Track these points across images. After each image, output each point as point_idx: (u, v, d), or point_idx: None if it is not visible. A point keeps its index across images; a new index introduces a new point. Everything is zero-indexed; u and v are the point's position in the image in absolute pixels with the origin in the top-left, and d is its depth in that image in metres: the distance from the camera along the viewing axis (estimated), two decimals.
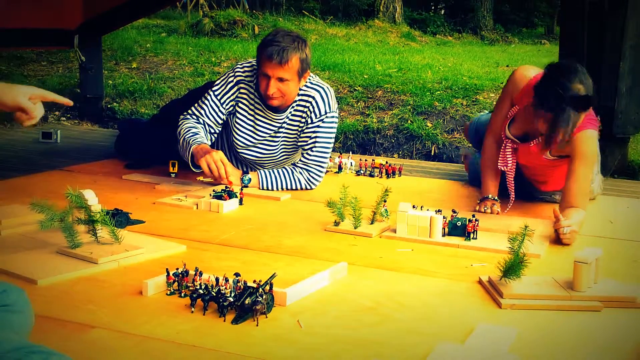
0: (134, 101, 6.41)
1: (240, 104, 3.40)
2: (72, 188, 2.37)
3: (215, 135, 3.44)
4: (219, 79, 3.46)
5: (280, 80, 3.20)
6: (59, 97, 2.06)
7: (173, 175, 3.49)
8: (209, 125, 3.37)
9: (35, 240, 2.43)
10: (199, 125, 3.34)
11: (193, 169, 3.21)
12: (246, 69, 3.41)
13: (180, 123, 3.35)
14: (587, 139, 2.87)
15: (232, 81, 3.39)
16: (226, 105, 3.38)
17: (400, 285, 2.21)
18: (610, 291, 2.10)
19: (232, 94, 3.39)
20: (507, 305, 2.03)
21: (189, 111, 3.40)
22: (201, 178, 3.32)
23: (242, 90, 3.39)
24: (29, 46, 6.49)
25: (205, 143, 3.22)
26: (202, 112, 3.37)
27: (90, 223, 2.36)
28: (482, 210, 3.01)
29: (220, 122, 3.41)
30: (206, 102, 3.38)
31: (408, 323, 1.91)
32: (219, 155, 3.13)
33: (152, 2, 6.07)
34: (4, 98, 1.92)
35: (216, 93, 3.39)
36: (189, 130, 3.28)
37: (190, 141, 3.21)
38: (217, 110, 3.37)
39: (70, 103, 2.14)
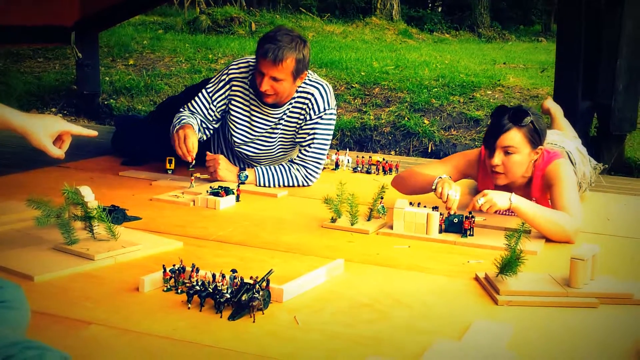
0: (130, 98, 6.40)
1: (233, 101, 3.40)
2: (69, 184, 2.36)
3: (210, 131, 3.44)
4: (214, 76, 3.47)
5: (274, 79, 3.19)
6: (84, 130, 2.06)
7: (170, 172, 3.49)
8: (201, 121, 3.38)
9: (32, 236, 2.43)
10: (190, 114, 3.36)
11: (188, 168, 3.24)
12: (241, 65, 3.41)
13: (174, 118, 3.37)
14: (558, 165, 2.75)
15: (224, 79, 3.40)
16: (217, 103, 3.39)
17: (396, 282, 2.21)
18: (607, 288, 2.10)
19: (224, 92, 3.39)
20: (503, 301, 2.03)
21: (183, 108, 3.42)
22: (197, 175, 3.32)
23: (234, 88, 3.39)
24: (25, 43, 6.48)
25: (190, 124, 3.24)
26: (194, 109, 3.39)
27: (86, 219, 2.36)
28: (438, 188, 2.72)
29: (212, 119, 3.41)
30: (198, 100, 3.41)
31: (405, 320, 1.91)
32: (188, 131, 3.15)
33: None
34: (29, 139, 1.90)
35: (208, 91, 3.41)
36: (179, 117, 3.33)
37: (177, 124, 3.26)
38: (208, 107, 3.39)
39: (95, 134, 2.12)
